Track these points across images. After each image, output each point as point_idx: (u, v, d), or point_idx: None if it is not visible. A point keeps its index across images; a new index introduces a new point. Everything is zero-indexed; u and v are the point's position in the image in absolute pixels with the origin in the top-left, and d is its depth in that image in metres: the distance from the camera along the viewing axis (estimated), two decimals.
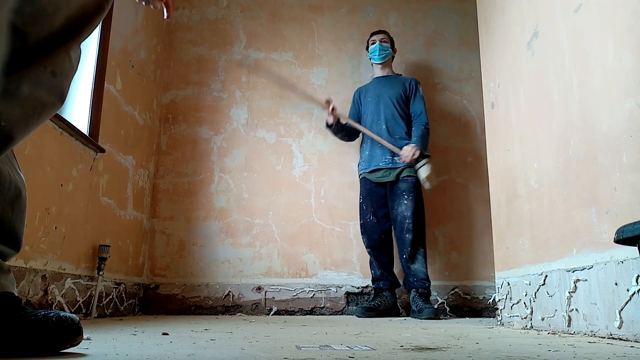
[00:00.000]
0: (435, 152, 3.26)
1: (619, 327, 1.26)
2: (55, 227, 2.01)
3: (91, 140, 2.29)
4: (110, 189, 2.54)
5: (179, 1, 3.53)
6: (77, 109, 2.37)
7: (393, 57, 3.16)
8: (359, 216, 2.95)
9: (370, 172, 2.93)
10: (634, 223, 0.90)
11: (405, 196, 2.82)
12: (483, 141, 3.20)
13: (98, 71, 2.44)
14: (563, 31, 1.60)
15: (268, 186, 3.21)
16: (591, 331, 1.39)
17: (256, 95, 3.36)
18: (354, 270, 3.06)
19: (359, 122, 3.02)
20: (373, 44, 3.07)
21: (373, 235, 2.88)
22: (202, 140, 3.28)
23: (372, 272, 2.89)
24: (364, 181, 2.97)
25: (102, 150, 2.39)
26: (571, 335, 1.46)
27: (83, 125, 2.34)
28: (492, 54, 2.25)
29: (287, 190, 3.19)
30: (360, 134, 3.05)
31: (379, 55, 3.04)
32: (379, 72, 3.10)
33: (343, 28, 3.47)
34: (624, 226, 0.92)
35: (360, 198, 2.97)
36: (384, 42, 3.05)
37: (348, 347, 1.08)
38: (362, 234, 2.93)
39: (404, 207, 2.80)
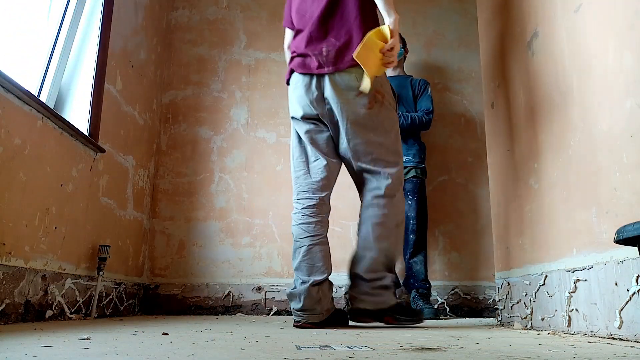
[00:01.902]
0: (435, 152, 3.27)
1: (619, 327, 1.26)
2: (55, 227, 2.01)
3: (91, 140, 2.29)
4: (110, 189, 2.54)
5: (178, 1, 3.53)
6: (77, 109, 2.37)
7: (405, 57, 3.16)
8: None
9: None
10: (634, 223, 0.90)
11: (410, 197, 2.83)
12: (483, 141, 3.20)
13: (98, 71, 2.44)
14: (563, 31, 1.60)
15: (268, 186, 3.21)
16: (591, 331, 1.39)
17: (256, 96, 3.36)
18: None
19: None
20: None
21: None
22: (202, 140, 3.29)
23: None
24: None
25: (102, 151, 2.39)
26: (571, 335, 1.46)
27: (83, 125, 2.34)
28: (492, 54, 2.25)
29: (287, 190, 3.19)
30: None
31: None
32: (390, 72, 3.10)
33: None
34: (624, 226, 0.92)
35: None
36: None
37: (348, 347, 1.08)
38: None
39: (408, 208, 2.79)
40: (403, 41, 3.12)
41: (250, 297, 3.01)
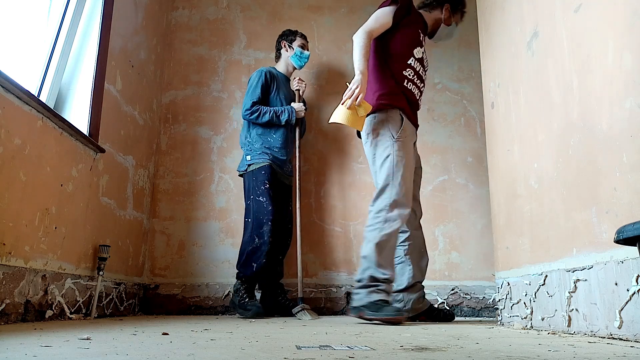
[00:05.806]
0: (435, 152, 3.27)
1: (619, 327, 1.26)
2: (55, 227, 2.01)
3: (91, 140, 2.29)
4: (110, 189, 2.54)
5: (178, 1, 3.53)
6: (77, 109, 2.37)
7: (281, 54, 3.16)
8: (263, 205, 2.70)
9: (281, 164, 2.86)
10: (634, 223, 0.90)
11: (291, 200, 2.96)
12: (483, 141, 3.20)
13: (98, 71, 2.44)
14: (563, 31, 1.60)
15: None
16: (591, 331, 1.39)
17: None
18: (354, 270, 3.06)
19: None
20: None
21: (272, 230, 2.69)
22: (202, 140, 3.28)
23: (255, 265, 2.63)
24: (270, 168, 2.79)
25: (102, 150, 2.39)
26: (571, 335, 1.46)
27: (83, 125, 2.34)
28: (492, 54, 2.25)
29: None
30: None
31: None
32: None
33: (343, 28, 3.47)
34: (624, 226, 0.92)
35: (265, 183, 2.74)
36: None
37: (348, 347, 1.08)
38: (268, 223, 2.67)
39: (290, 211, 2.95)
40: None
41: None
